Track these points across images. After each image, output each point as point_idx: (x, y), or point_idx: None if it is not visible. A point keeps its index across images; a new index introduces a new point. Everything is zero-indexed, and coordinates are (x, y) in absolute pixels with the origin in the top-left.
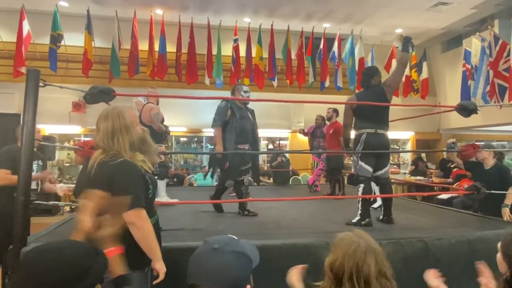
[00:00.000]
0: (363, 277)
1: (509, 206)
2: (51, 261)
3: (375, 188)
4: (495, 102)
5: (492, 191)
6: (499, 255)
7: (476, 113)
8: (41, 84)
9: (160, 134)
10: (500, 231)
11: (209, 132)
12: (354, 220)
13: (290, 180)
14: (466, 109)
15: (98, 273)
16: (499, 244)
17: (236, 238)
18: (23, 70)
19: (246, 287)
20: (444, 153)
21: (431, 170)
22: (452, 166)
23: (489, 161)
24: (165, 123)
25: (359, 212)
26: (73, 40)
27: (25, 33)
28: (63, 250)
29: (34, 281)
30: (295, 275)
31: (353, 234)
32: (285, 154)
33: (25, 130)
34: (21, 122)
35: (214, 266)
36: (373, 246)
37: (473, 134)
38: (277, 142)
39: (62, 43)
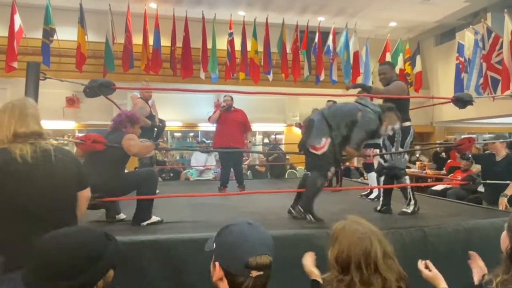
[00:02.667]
0: (372, 262)
1: (508, 197)
2: (59, 248)
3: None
4: (488, 95)
5: (499, 182)
6: (504, 234)
7: (472, 104)
8: (41, 77)
9: (150, 129)
10: (495, 220)
11: (205, 126)
12: (409, 210)
13: (286, 173)
14: (462, 101)
15: (111, 259)
16: (506, 224)
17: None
18: (15, 65)
19: None
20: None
21: (425, 163)
22: (445, 157)
23: (502, 152)
24: (160, 117)
25: (412, 201)
26: (66, 34)
27: (16, 27)
28: (72, 236)
29: (47, 270)
30: (309, 261)
31: (351, 221)
32: (280, 147)
33: None
34: None
35: (261, 236)
36: (372, 228)
37: (466, 127)
38: (273, 136)
39: (55, 37)
